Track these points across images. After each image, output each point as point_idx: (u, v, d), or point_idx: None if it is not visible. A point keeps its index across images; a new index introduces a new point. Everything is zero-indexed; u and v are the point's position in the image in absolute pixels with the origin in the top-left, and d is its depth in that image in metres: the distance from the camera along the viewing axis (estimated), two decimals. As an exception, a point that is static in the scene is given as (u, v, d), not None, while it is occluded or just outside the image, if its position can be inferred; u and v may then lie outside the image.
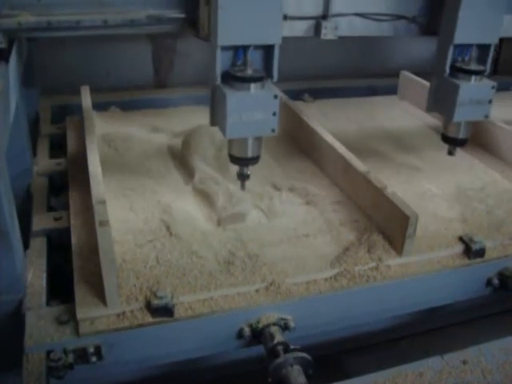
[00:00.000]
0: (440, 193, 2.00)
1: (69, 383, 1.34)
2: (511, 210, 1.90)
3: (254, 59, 1.51)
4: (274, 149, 2.28)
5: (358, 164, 1.86)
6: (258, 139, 1.61)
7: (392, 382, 1.34)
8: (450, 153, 2.00)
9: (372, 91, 3.04)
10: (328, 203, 1.88)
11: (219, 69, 1.49)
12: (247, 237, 1.67)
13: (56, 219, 1.76)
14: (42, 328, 1.34)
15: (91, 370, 1.37)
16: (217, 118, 1.57)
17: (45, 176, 2.03)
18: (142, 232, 1.66)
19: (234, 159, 1.65)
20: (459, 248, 1.68)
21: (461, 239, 1.70)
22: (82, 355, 1.33)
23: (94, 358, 1.33)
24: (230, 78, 1.49)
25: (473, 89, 1.79)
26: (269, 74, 1.54)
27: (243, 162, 1.65)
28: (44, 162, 2.11)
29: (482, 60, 1.82)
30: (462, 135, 1.93)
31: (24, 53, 2.03)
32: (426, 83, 2.69)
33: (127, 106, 2.62)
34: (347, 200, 1.90)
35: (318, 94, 2.90)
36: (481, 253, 1.67)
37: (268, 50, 1.52)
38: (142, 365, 1.54)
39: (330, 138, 2.05)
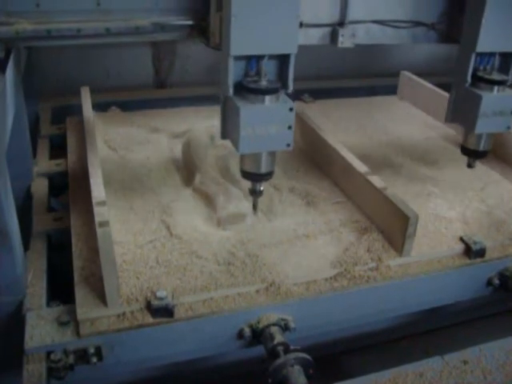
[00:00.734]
0: (440, 193, 2.00)
1: (69, 384, 1.34)
2: (511, 211, 1.90)
3: (268, 69, 1.44)
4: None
5: (359, 164, 1.86)
6: (272, 154, 1.54)
7: (392, 382, 1.34)
8: (470, 165, 1.93)
9: (372, 91, 3.04)
10: (328, 204, 1.88)
11: (232, 79, 1.41)
12: (247, 237, 1.67)
13: (56, 220, 1.76)
14: (42, 329, 1.34)
15: (92, 371, 1.37)
16: (228, 131, 1.50)
17: (45, 177, 2.03)
18: (142, 232, 1.67)
19: (247, 175, 1.58)
20: (460, 248, 1.69)
21: (461, 239, 1.70)
22: (82, 356, 1.33)
23: (94, 359, 1.34)
24: (243, 89, 1.42)
25: (495, 100, 1.71)
26: (284, 85, 1.47)
27: (256, 177, 1.57)
28: (44, 163, 2.11)
29: (504, 69, 1.74)
30: (482, 147, 1.85)
31: (23, 56, 2.00)
32: (426, 83, 2.70)
33: (127, 107, 2.61)
34: (347, 200, 1.90)
35: (318, 95, 2.90)
36: (481, 253, 1.67)
37: (283, 59, 1.45)
38: (142, 365, 1.54)
39: (330, 139, 2.05)
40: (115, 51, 2.80)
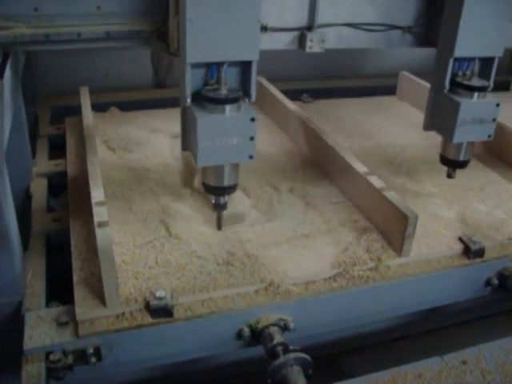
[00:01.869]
0: (439, 193, 2.00)
1: (68, 384, 1.34)
2: (510, 211, 1.91)
3: (230, 77, 1.37)
4: (274, 150, 2.28)
5: (358, 164, 1.86)
6: (235, 166, 1.47)
7: (391, 382, 1.34)
8: (449, 176, 1.85)
9: (372, 91, 3.04)
10: (327, 204, 1.88)
11: (189, 88, 1.34)
12: (246, 237, 1.67)
13: (55, 220, 1.76)
14: (41, 329, 1.34)
15: (91, 371, 1.37)
16: (188, 142, 1.42)
17: (44, 177, 2.03)
18: (141, 233, 1.66)
19: (209, 189, 1.51)
20: (458, 248, 1.69)
21: (460, 239, 1.70)
22: (81, 356, 1.33)
23: (93, 359, 1.33)
24: (202, 98, 1.35)
25: (475, 107, 1.63)
26: (246, 94, 1.39)
27: (219, 191, 1.51)
28: (43, 163, 2.12)
29: (485, 74, 1.66)
30: (463, 157, 1.77)
31: (20, 66, 1.97)
32: (425, 83, 2.70)
33: (126, 107, 2.61)
34: (346, 200, 1.90)
35: (317, 94, 2.90)
36: (480, 253, 1.67)
37: (245, 66, 1.37)
38: (141, 365, 1.54)
39: (330, 139, 2.05)
40: (114, 52, 2.80)
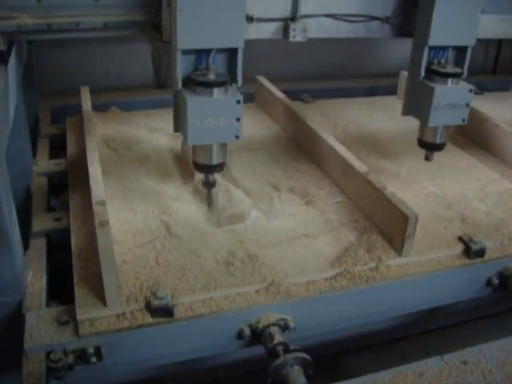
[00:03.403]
0: (439, 192, 2.00)
1: (69, 384, 1.34)
2: (511, 210, 1.90)
3: (218, 63, 1.49)
4: (274, 149, 2.28)
5: (358, 164, 1.86)
6: (223, 145, 1.58)
7: (392, 382, 1.33)
8: (427, 158, 1.95)
9: (371, 91, 3.04)
10: (328, 203, 1.88)
11: (180, 73, 1.46)
12: (247, 237, 1.67)
13: (56, 220, 1.76)
14: (41, 329, 1.33)
15: (91, 371, 1.37)
16: (180, 124, 1.55)
17: (44, 176, 2.03)
18: (142, 232, 1.66)
19: (199, 166, 1.63)
20: (459, 248, 1.68)
21: (460, 239, 1.70)
22: (81, 356, 1.33)
23: (93, 359, 1.33)
24: (191, 82, 1.46)
25: (449, 92, 1.74)
26: (233, 79, 1.50)
27: (208, 169, 1.62)
28: (44, 163, 2.11)
29: (460, 62, 1.77)
30: (439, 140, 1.88)
31: (24, 54, 2.03)
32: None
33: (127, 107, 2.62)
34: (347, 200, 1.90)
35: (317, 94, 2.90)
36: (480, 253, 1.67)
37: (231, 53, 1.49)
38: (141, 365, 1.54)
39: (330, 139, 2.05)
40: (115, 51, 2.80)
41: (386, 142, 2.42)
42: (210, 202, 1.76)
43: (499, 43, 3.54)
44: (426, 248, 1.67)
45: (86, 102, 2.22)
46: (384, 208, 1.68)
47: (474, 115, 2.46)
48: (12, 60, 1.63)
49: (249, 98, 2.75)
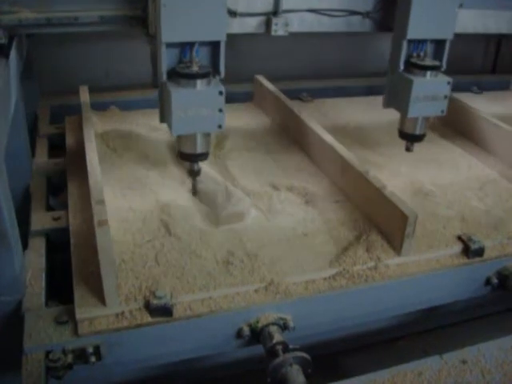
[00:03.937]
0: (439, 192, 2.00)
1: (68, 383, 1.34)
2: (510, 209, 1.91)
3: (202, 56, 1.53)
4: (274, 149, 2.29)
5: (357, 163, 1.86)
6: (207, 135, 1.63)
7: (391, 381, 1.33)
8: (408, 149, 2.00)
9: (370, 91, 3.04)
10: (327, 203, 1.88)
11: (165, 66, 1.51)
12: (246, 236, 1.67)
13: (55, 219, 1.75)
14: (40, 328, 1.33)
15: (90, 370, 1.37)
16: (165, 115, 1.59)
17: (43, 176, 2.03)
18: (141, 232, 1.66)
19: (184, 156, 1.67)
20: (458, 247, 1.68)
21: (459, 238, 1.70)
22: (81, 355, 1.33)
23: (93, 358, 1.33)
24: (176, 75, 1.51)
25: (427, 84, 1.78)
26: (216, 71, 1.55)
27: (193, 158, 1.66)
28: (43, 162, 2.11)
29: (439, 55, 1.82)
30: (419, 131, 1.93)
31: (24, 51, 2.03)
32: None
33: (126, 106, 2.61)
34: (346, 199, 1.90)
35: (316, 94, 2.90)
36: (480, 252, 1.67)
37: (214, 46, 1.53)
38: (141, 365, 1.54)
39: (328, 138, 2.05)
40: (114, 50, 2.80)
41: (385, 141, 2.42)
42: (194, 190, 1.81)
43: (498, 42, 3.54)
44: (425, 247, 1.67)
45: (86, 101, 2.22)
46: (383, 207, 1.68)
47: (472, 113, 2.46)
48: (13, 54, 1.66)
49: (248, 97, 2.76)
